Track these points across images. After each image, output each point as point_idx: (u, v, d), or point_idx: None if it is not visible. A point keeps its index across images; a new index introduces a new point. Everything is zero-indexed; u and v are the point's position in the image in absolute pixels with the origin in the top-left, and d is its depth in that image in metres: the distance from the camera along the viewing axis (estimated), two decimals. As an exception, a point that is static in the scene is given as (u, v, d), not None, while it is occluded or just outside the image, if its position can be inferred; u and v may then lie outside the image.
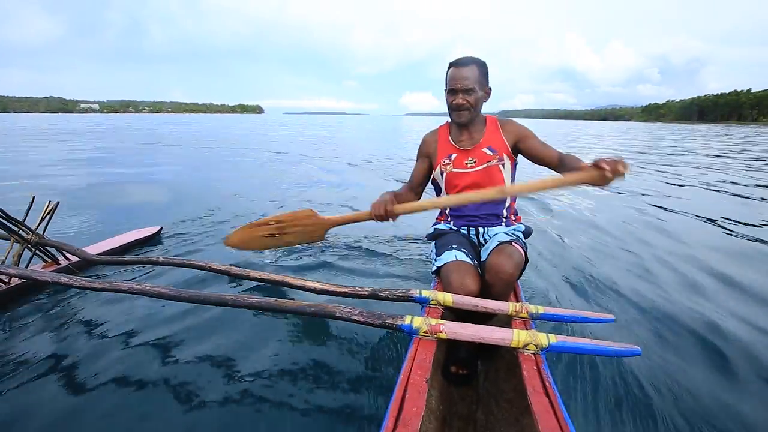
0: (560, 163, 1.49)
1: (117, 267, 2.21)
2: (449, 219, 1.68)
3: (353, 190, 5.04)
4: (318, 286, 1.36)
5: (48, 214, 2.09)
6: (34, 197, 2.07)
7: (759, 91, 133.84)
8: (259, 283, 1.52)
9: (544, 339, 1.04)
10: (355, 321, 1.13)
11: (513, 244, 1.41)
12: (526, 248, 1.49)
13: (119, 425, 1.16)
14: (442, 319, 1.19)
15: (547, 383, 0.95)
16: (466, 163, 1.58)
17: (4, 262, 1.88)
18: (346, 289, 1.34)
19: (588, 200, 4.78)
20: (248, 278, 1.47)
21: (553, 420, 0.84)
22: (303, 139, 15.24)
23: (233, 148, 11.03)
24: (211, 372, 1.40)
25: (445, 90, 1.54)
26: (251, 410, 1.23)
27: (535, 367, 1.01)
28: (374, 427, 1.18)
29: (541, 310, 1.24)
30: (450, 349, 1.36)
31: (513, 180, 1.63)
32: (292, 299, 1.23)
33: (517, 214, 1.69)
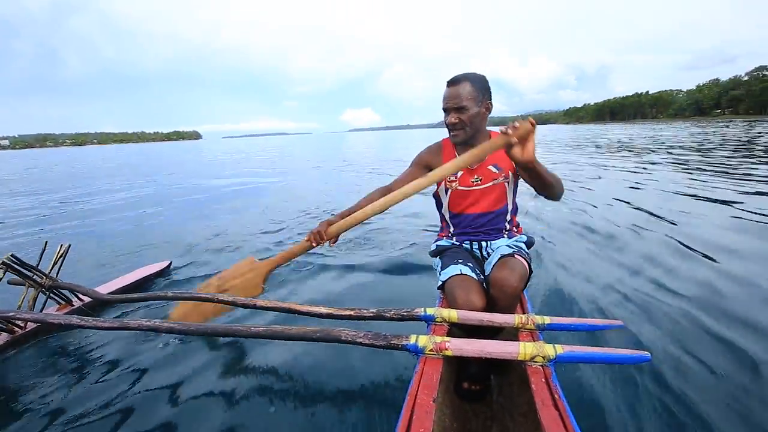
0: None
1: (129, 304, 2.25)
2: (451, 235, 1.68)
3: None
4: (324, 310, 1.37)
5: (60, 257, 2.14)
6: (46, 242, 2.14)
7: (655, 93, 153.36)
8: (266, 312, 1.54)
9: (551, 350, 1.03)
10: (360, 344, 1.13)
11: (516, 256, 1.40)
12: (530, 259, 1.49)
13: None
14: (448, 335, 1.19)
15: (556, 395, 0.94)
16: (472, 182, 1.56)
17: (20, 307, 1.92)
18: (351, 312, 1.35)
19: (584, 204, 4.77)
20: (255, 307, 1.49)
21: (564, 432, 0.83)
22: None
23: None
24: (220, 399, 1.42)
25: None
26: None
27: (543, 380, 1.00)
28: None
29: (547, 320, 1.23)
30: (461, 365, 1.35)
31: (515, 195, 1.63)
32: (298, 326, 1.24)
33: (518, 226, 1.69)
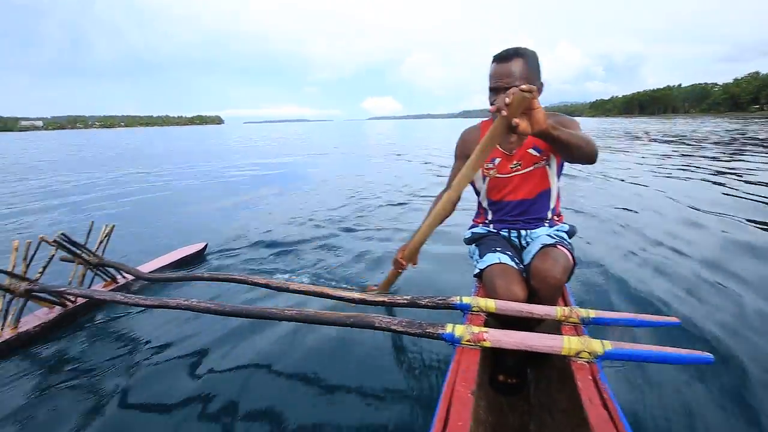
0: None
1: (167, 283, 2.34)
2: (488, 222, 1.61)
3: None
4: (356, 296, 1.36)
5: (106, 236, 2.24)
6: (93, 222, 2.24)
7: (688, 86, 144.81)
8: (298, 295, 1.54)
9: (598, 346, 0.96)
10: (394, 330, 1.11)
11: (558, 246, 1.32)
12: (572, 249, 1.40)
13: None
14: (485, 326, 1.14)
15: (605, 394, 0.87)
16: (511, 167, 1.46)
17: (70, 283, 2.04)
18: (384, 298, 1.32)
19: (632, 189, 4.50)
20: (288, 290, 1.49)
21: (615, 434, 0.77)
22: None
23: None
24: (250, 381, 1.44)
25: (489, 87, 1.38)
26: (290, 420, 1.24)
27: (590, 377, 0.94)
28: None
29: (592, 314, 1.16)
30: (497, 357, 1.30)
31: (558, 179, 1.52)
32: (331, 310, 1.23)
33: (560, 214, 1.59)
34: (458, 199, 1.40)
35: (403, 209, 4.41)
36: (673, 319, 1.11)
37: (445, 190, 1.61)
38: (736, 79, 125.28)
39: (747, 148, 9.52)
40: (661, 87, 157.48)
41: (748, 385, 1.33)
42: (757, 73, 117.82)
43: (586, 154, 1.22)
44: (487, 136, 1.12)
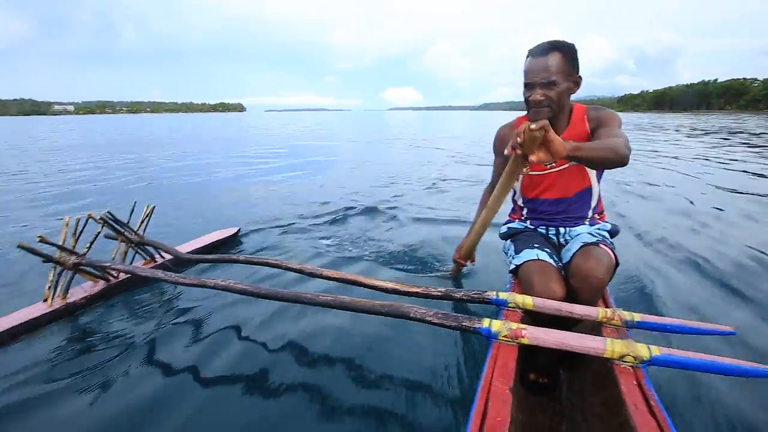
0: None
1: (203, 264, 2.42)
2: (525, 218, 1.57)
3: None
4: (390, 285, 1.35)
5: (147, 216, 2.34)
6: (135, 202, 2.34)
7: (725, 81, 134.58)
8: (332, 282, 1.56)
9: (644, 350, 0.92)
10: (429, 322, 1.10)
11: (600, 245, 1.27)
12: (615, 249, 1.34)
13: (197, 404, 1.26)
14: (521, 323, 1.11)
15: (651, 401, 0.84)
16: (545, 165, 1.42)
17: (113, 259, 2.14)
18: (418, 290, 1.31)
19: (683, 184, 4.27)
20: (321, 277, 1.51)
21: (663, 443, 0.74)
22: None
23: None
24: (281, 364, 1.46)
25: (523, 82, 1.35)
26: (322, 407, 1.25)
27: (634, 382, 0.90)
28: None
29: (637, 317, 1.11)
30: (529, 355, 1.28)
31: (599, 178, 1.46)
32: (365, 299, 1.23)
33: (602, 212, 1.53)
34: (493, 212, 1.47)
35: (437, 195, 4.40)
36: (729, 328, 1.05)
37: (488, 187, 1.74)
38: None
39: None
40: (696, 82, 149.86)
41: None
42: None
43: (614, 163, 1.18)
44: (506, 173, 1.18)
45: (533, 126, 0.97)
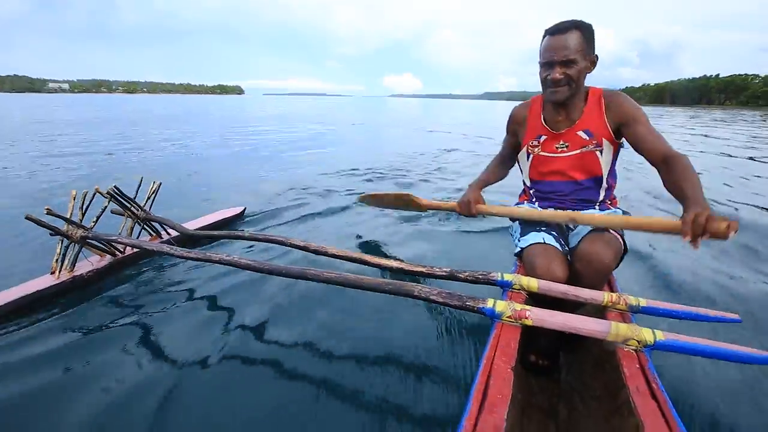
0: (664, 166, 1.21)
1: (209, 240, 2.44)
2: (533, 199, 1.55)
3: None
4: (394, 264, 1.35)
5: (153, 193, 2.34)
6: (142, 178, 2.34)
7: (726, 77, 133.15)
8: (336, 260, 1.56)
9: (648, 335, 0.92)
10: (433, 301, 1.10)
11: (609, 230, 1.26)
12: (624, 235, 1.33)
13: (194, 377, 1.28)
14: (525, 304, 1.11)
15: (653, 384, 0.84)
16: (557, 147, 1.39)
17: (120, 234, 2.15)
18: (423, 269, 1.31)
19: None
20: (326, 254, 1.51)
21: (663, 425, 0.74)
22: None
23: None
24: (285, 341, 1.48)
25: (539, 62, 1.33)
26: (324, 383, 1.27)
27: (637, 365, 0.90)
28: (450, 410, 1.15)
29: (643, 302, 1.10)
30: (530, 336, 1.28)
31: (613, 167, 1.43)
32: (370, 277, 1.23)
33: (614, 198, 1.51)
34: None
35: (441, 178, 4.37)
36: (734, 316, 1.04)
37: (497, 156, 1.73)
38: None
39: None
40: (698, 77, 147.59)
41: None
42: None
43: None
44: (657, 226, 1.12)
45: (732, 234, 0.94)
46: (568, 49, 1.24)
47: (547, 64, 1.29)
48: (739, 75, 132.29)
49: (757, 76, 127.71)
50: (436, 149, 7.36)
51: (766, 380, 1.27)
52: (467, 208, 1.54)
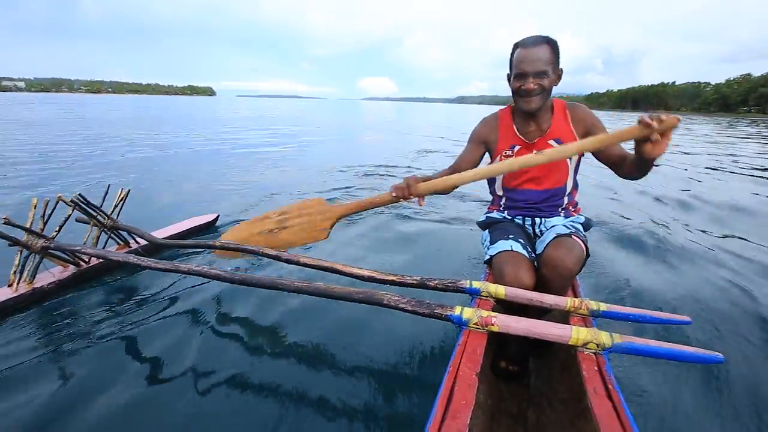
0: (622, 160, 1.30)
1: (179, 250, 2.38)
2: (503, 208, 1.60)
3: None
4: (366, 273, 1.36)
5: (121, 200, 2.27)
6: (109, 185, 2.27)
7: (682, 84, 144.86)
8: (309, 269, 1.55)
9: (606, 338, 0.96)
10: (402, 309, 1.11)
11: (573, 236, 1.31)
12: (587, 241, 1.39)
13: (168, 391, 1.25)
14: (492, 311, 1.14)
15: (610, 386, 0.88)
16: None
17: (85, 243, 2.07)
18: (394, 277, 1.33)
19: (653, 184, 4.42)
20: (298, 263, 1.51)
21: (617, 426, 0.77)
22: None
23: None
24: (253, 350, 1.46)
25: (510, 74, 1.40)
26: (290, 393, 1.26)
27: (595, 368, 0.94)
28: (419, 417, 1.16)
29: (603, 307, 1.15)
30: (500, 343, 1.31)
31: (576, 174, 1.51)
32: (341, 286, 1.24)
33: (576, 205, 1.58)
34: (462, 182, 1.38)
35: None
36: (685, 318, 1.10)
37: (452, 167, 1.60)
38: (728, 80, 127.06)
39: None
40: (656, 83, 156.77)
41: (756, 387, 1.32)
42: (749, 75, 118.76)
43: (637, 178, 1.29)
44: (618, 134, 1.09)
45: (678, 117, 1.01)
46: (541, 61, 1.31)
47: (520, 75, 1.35)
48: (693, 83, 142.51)
49: (709, 84, 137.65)
50: (415, 151, 7.44)
51: (713, 378, 1.34)
52: (403, 190, 1.39)
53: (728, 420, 1.20)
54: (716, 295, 1.94)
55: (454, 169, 1.59)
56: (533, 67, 1.32)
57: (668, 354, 0.91)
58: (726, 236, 2.94)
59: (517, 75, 1.36)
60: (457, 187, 1.44)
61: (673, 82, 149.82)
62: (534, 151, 1.43)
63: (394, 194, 1.42)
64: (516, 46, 1.38)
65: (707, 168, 6.61)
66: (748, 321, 1.71)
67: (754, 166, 6.97)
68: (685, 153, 8.79)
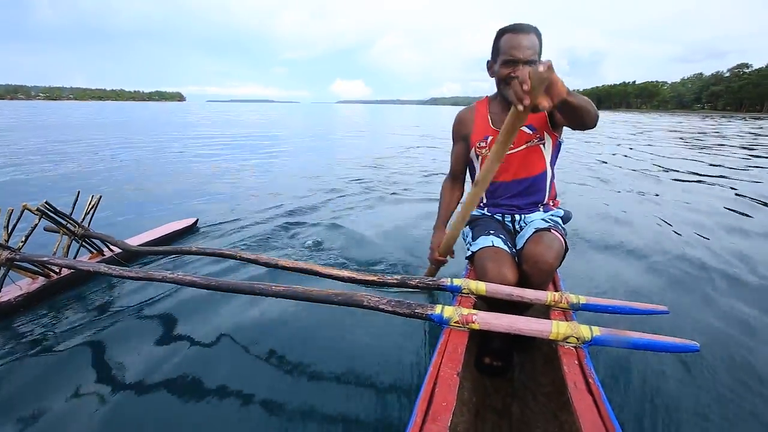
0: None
1: (156, 256, 2.31)
2: (483, 205, 1.59)
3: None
4: (346, 274, 1.34)
5: (92, 207, 2.19)
6: (79, 192, 2.18)
7: (642, 83, 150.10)
8: (288, 272, 1.52)
9: (586, 331, 0.96)
10: (383, 310, 1.09)
11: (552, 231, 1.31)
12: (566, 235, 1.39)
13: (142, 405, 1.20)
14: (474, 308, 1.13)
15: (590, 379, 0.88)
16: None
17: (54, 253, 1.99)
18: (374, 278, 1.31)
19: (630, 178, 4.51)
20: (276, 267, 1.47)
21: (597, 418, 0.77)
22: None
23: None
24: (233, 357, 1.43)
25: (493, 60, 1.33)
26: (272, 398, 1.23)
27: (576, 361, 0.94)
28: (402, 420, 1.15)
29: (582, 300, 1.16)
30: (483, 339, 1.31)
31: (554, 162, 1.50)
32: (320, 288, 1.21)
33: (555, 198, 1.58)
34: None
35: (400, 189, 4.41)
36: (662, 308, 1.12)
37: (448, 177, 1.66)
38: (682, 79, 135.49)
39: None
40: (618, 83, 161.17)
41: (729, 374, 1.35)
42: (701, 74, 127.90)
43: (592, 118, 1.19)
44: (504, 132, 1.04)
45: (540, 68, 0.88)
46: (531, 48, 1.26)
47: (510, 62, 1.29)
48: (651, 82, 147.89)
49: (666, 83, 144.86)
50: (399, 151, 7.43)
51: (693, 366, 1.37)
52: (435, 262, 1.53)
53: (703, 406, 1.22)
54: (692, 283, 1.99)
55: (452, 173, 1.65)
56: (525, 54, 1.26)
57: (646, 344, 0.92)
58: (693, 224, 3.02)
59: (506, 61, 1.29)
60: (455, 186, 1.63)
61: (634, 82, 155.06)
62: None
63: (433, 267, 1.58)
64: (504, 31, 1.31)
65: (676, 159, 6.80)
66: (722, 308, 1.75)
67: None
68: (650, 146, 9.03)
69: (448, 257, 1.53)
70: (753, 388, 1.29)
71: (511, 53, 1.27)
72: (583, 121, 1.19)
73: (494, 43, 1.35)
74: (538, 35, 1.30)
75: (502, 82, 1.35)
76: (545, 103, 0.96)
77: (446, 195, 1.65)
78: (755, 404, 1.22)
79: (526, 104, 0.93)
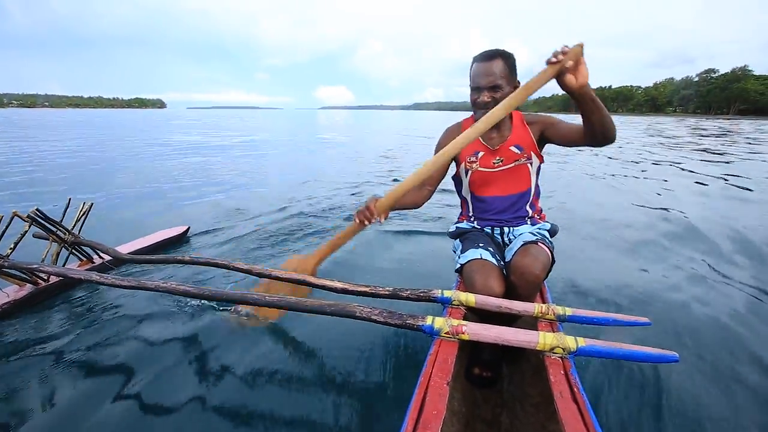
0: (580, 129, 1.30)
1: (146, 265, 2.29)
2: (472, 218, 1.63)
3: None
4: (339, 285, 1.36)
5: (83, 214, 2.18)
6: (70, 199, 2.17)
7: (617, 87, 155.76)
8: (281, 283, 1.53)
9: (572, 342, 0.99)
10: (375, 321, 1.11)
11: (539, 244, 1.35)
12: (553, 248, 1.43)
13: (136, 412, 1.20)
14: (464, 319, 1.16)
15: (575, 389, 0.90)
16: (494, 162, 1.50)
17: (43, 260, 1.97)
18: (366, 289, 1.33)
19: (615, 192, 4.61)
20: (270, 277, 1.48)
21: (582, 428, 0.80)
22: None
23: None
24: (223, 367, 1.43)
25: (470, 86, 1.45)
26: (264, 407, 1.24)
27: (562, 372, 0.97)
28: (393, 430, 1.16)
29: (568, 311, 1.19)
30: (473, 350, 1.33)
31: (538, 178, 1.57)
32: (313, 298, 1.23)
33: (541, 212, 1.63)
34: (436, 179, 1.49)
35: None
36: (645, 319, 1.15)
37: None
38: (655, 83, 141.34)
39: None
40: (595, 88, 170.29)
41: (709, 382, 1.39)
42: (672, 79, 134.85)
43: (612, 125, 1.22)
44: (535, 78, 1.12)
45: (577, 45, 1.06)
46: (494, 75, 1.36)
47: (476, 89, 1.41)
48: (626, 87, 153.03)
49: (640, 87, 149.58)
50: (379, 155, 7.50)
51: (674, 375, 1.41)
52: (365, 214, 1.34)
53: (683, 413, 1.26)
54: (674, 295, 2.04)
55: (423, 183, 1.56)
56: (486, 81, 1.37)
57: (628, 355, 0.95)
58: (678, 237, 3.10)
59: (473, 88, 1.42)
60: (420, 188, 1.53)
61: (610, 86, 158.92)
62: (497, 157, 1.49)
63: (357, 220, 1.37)
64: (474, 60, 1.43)
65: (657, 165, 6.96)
66: (703, 321, 1.80)
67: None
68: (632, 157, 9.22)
69: (380, 219, 1.36)
70: (732, 395, 1.33)
71: (475, 81, 1.40)
72: (602, 126, 1.21)
73: (469, 71, 1.45)
74: (506, 59, 1.39)
75: (473, 105, 1.45)
76: (571, 77, 1.09)
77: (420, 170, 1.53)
78: (734, 409, 1.26)
79: (560, 59, 1.06)
